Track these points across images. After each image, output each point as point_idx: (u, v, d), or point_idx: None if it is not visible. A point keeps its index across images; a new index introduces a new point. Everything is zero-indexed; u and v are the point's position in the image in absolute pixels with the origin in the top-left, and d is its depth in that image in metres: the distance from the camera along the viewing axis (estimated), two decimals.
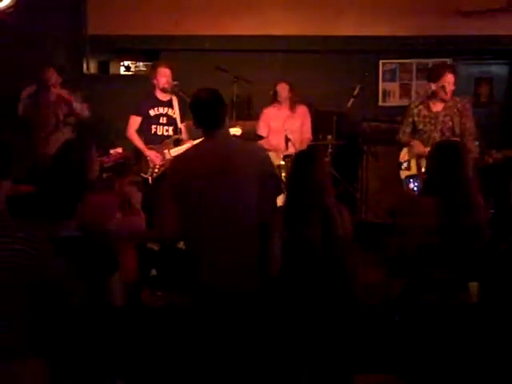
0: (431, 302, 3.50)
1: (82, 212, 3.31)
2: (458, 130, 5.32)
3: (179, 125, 6.10)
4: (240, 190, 3.27)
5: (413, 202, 4.07)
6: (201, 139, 5.87)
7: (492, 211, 4.14)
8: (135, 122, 6.04)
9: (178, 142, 6.10)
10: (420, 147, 5.43)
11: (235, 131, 6.00)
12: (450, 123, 5.36)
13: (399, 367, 3.88)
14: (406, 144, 5.63)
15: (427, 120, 5.47)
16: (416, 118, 5.52)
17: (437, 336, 3.50)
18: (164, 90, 6.03)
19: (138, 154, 6.11)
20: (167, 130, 6.09)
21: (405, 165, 5.67)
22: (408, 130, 5.60)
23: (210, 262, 3.28)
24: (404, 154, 5.71)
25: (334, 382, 3.51)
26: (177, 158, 3.85)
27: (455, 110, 5.36)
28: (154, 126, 6.04)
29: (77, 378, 3.08)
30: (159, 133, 6.07)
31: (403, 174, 5.67)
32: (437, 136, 5.38)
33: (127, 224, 3.54)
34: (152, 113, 6.03)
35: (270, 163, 3.52)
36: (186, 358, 3.93)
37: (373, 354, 3.95)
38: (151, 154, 5.99)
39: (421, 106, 5.52)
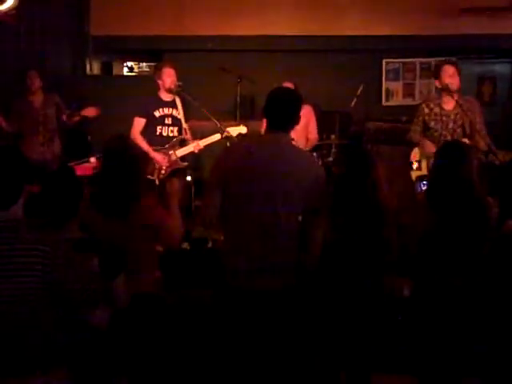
0: (437, 302, 3.50)
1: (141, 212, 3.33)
2: (468, 129, 5.30)
3: (184, 125, 6.10)
4: (282, 195, 3.18)
5: (414, 202, 4.09)
6: (208, 138, 5.98)
7: (497, 210, 4.12)
8: (139, 123, 6.00)
9: (183, 143, 6.11)
10: (431, 147, 5.37)
11: (240, 129, 5.99)
12: (461, 122, 5.34)
13: (401, 366, 3.89)
14: (417, 143, 5.61)
15: (438, 118, 5.44)
16: (427, 117, 5.48)
17: (442, 335, 3.50)
18: (170, 91, 6.02)
19: (143, 155, 6.10)
20: (172, 131, 6.08)
21: (415, 165, 5.65)
22: (419, 128, 5.57)
23: (242, 257, 3.22)
24: (415, 154, 5.68)
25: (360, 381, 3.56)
26: (229, 147, 3.79)
27: (464, 108, 5.31)
28: (159, 127, 6.03)
29: (83, 376, 3.08)
30: (164, 134, 6.06)
31: (414, 174, 5.64)
32: (447, 134, 5.35)
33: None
34: (157, 114, 6.02)
35: (323, 180, 3.40)
36: (188, 356, 3.94)
37: (375, 353, 3.95)
38: (157, 156, 5.98)
39: (432, 105, 5.49)
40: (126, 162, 3.39)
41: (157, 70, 6.18)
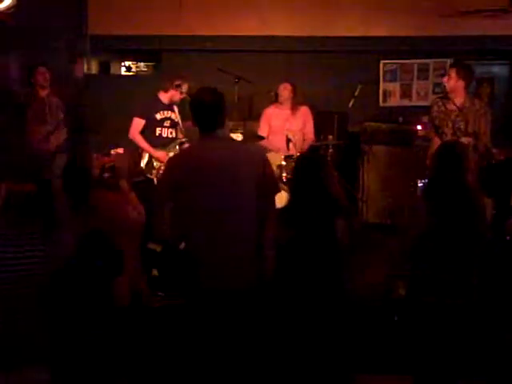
0: (431, 303, 3.51)
1: (98, 209, 3.32)
2: (470, 130, 5.35)
3: (181, 127, 6.16)
4: (236, 189, 3.26)
5: (412, 202, 4.11)
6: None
7: (493, 212, 4.14)
8: (139, 124, 6.03)
9: (181, 144, 6.16)
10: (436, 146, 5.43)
11: (235, 137, 6.07)
12: (461, 123, 5.40)
13: (399, 367, 3.90)
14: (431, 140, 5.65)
15: (442, 116, 5.51)
16: (434, 114, 5.58)
17: (437, 335, 3.51)
18: (171, 101, 6.09)
19: (140, 155, 6.12)
20: (171, 133, 6.15)
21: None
22: (432, 126, 5.66)
23: (206, 261, 3.27)
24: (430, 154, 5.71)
25: (334, 381, 3.54)
26: (173, 158, 3.84)
27: (471, 110, 5.41)
28: (158, 129, 6.09)
29: (82, 378, 3.09)
30: (164, 135, 6.12)
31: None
32: (448, 133, 5.43)
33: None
34: (158, 116, 6.08)
35: (267, 163, 3.48)
36: (186, 357, 3.94)
37: (372, 354, 3.96)
38: (159, 154, 6.01)
39: (440, 102, 5.58)
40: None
41: (176, 79, 6.13)
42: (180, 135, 6.19)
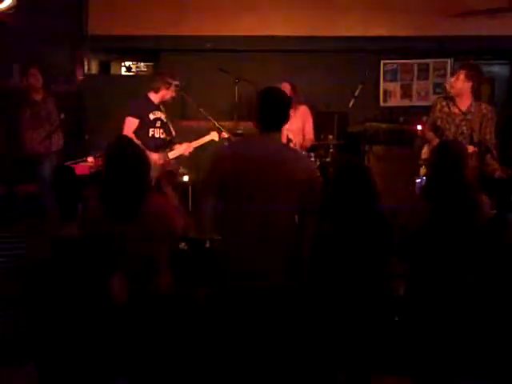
0: (431, 302, 3.51)
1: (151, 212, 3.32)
2: (476, 137, 5.26)
3: (171, 127, 6.18)
4: (280, 192, 3.24)
5: (411, 202, 4.12)
6: (199, 140, 6.03)
7: (494, 211, 4.14)
8: (133, 123, 6.01)
9: (172, 144, 6.18)
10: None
11: (212, 136, 6.12)
12: (464, 128, 5.31)
13: (399, 367, 3.90)
14: (429, 140, 5.56)
15: (445, 117, 5.42)
16: (437, 114, 5.47)
17: (437, 335, 3.51)
18: (162, 101, 6.14)
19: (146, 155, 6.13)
20: (162, 133, 6.16)
21: (424, 162, 5.61)
22: (430, 124, 5.56)
23: (241, 257, 3.27)
24: (425, 152, 5.65)
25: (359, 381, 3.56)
26: (223, 151, 3.79)
27: (477, 115, 5.31)
28: (151, 130, 6.10)
29: (79, 378, 3.08)
30: (156, 135, 6.12)
31: (422, 171, 5.57)
32: (450, 135, 5.33)
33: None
34: (152, 116, 6.08)
35: (315, 173, 3.47)
36: (189, 356, 3.93)
37: (372, 354, 3.96)
38: (154, 156, 6.01)
39: (444, 102, 5.48)
40: (134, 164, 3.39)
41: (167, 79, 6.15)
42: (168, 136, 6.21)
